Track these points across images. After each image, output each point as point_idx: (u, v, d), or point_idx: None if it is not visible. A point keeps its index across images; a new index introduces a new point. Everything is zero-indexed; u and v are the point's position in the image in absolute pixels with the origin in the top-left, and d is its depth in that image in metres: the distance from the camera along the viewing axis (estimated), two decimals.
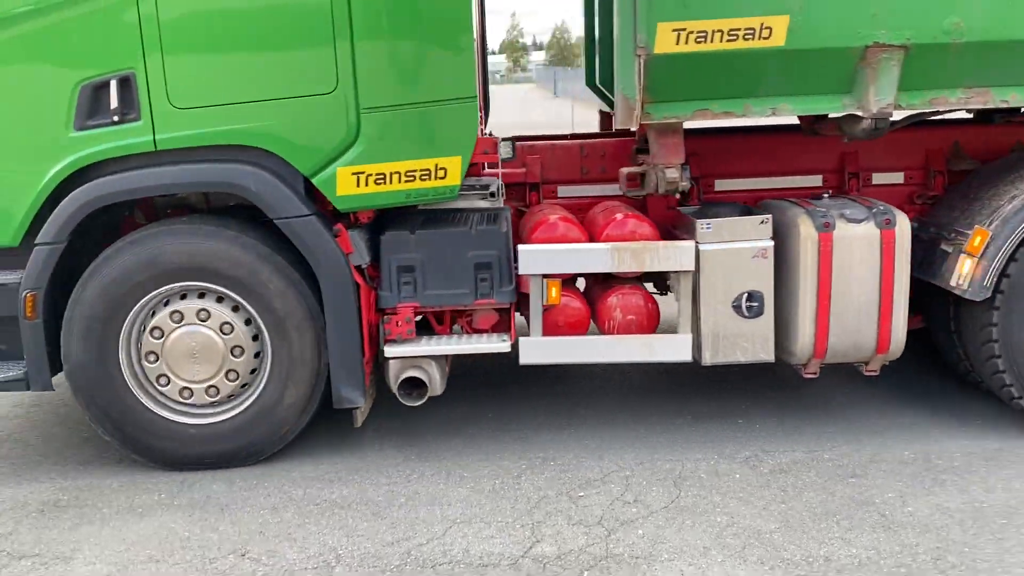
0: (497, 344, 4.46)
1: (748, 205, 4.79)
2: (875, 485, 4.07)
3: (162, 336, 4.35)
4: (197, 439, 4.43)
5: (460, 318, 4.59)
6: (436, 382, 4.48)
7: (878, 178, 5.17)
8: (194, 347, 4.34)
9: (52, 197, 4.28)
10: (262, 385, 4.40)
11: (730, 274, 4.39)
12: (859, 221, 4.38)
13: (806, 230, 4.36)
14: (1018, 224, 4.28)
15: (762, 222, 4.41)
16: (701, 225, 4.40)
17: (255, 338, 4.37)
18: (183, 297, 4.34)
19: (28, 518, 4.09)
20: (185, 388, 4.40)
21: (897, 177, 5.18)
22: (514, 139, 4.92)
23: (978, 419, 4.76)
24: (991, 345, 4.43)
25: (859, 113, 4.22)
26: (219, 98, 4.19)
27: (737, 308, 4.42)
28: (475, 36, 4.29)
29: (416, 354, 4.45)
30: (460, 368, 5.25)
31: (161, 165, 4.26)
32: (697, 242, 4.37)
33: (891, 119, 4.30)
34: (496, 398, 5.29)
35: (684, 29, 4.04)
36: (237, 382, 4.39)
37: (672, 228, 4.76)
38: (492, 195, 4.57)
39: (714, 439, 4.63)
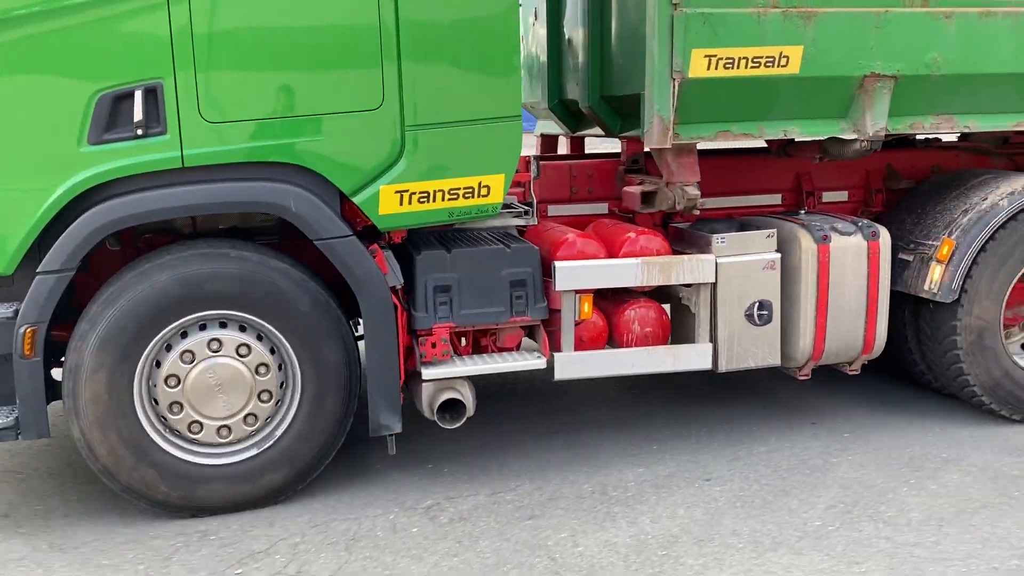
0: (533, 361, 4.48)
1: (741, 219, 5.12)
2: (551, 525, 4.00)
3: (179, 383, 4.02)
4: (239, 476, 4.12)
5: (484, 337, 4.57)
6: (471, 402, 4.43)
7: (827, 196, 5.70)
8: (216, 381, 4.05)
9: (54, 220, 3.86)
10: (295, 406, 4.17)
11: (743, 285, 4.69)
12: (850, 234, 4.84)
13: (807, 243, 4.75)
14: (977, 233, 4.89)
15: (768, 236, 4.75)
16: (717, 239, 4.67)
17: (279, 367, 4.15)
18: (183, 335, 4.03)
19: None
20: (223, 427, 4.09)
21: (843, 195, 5.73)
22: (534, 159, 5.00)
23: (654, 443, 4.90)
24: (954, 346, 4.99)
25: (855, 136, 4.67)
26: (255, 112, 3.96)
27: (749, 316, 4.73)
28: None
29: (454, 375, 4.38)
30: None
31: (190, 183, 3.95)
32: (716, 256, 4.64)
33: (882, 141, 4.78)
34: None
35: (715, 56, 4.32)
36: (271, 402, 4.14)
37: (676, 243, 5.00)
38: (526, 213, 4.60)
39: (397, 489, 4.40)
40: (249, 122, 3.96)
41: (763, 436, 4.98)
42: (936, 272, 4.91)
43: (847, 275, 4.81)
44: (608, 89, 5.12)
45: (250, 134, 3.96)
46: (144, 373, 4.00)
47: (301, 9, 3.93)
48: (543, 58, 5.70)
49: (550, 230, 4.90)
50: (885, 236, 4.88)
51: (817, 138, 4.83)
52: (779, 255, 4.74)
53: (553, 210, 5.35)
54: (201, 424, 4.09)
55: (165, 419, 4.07)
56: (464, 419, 4.44)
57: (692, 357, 4.70)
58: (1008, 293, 5.01)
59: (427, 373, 4.33)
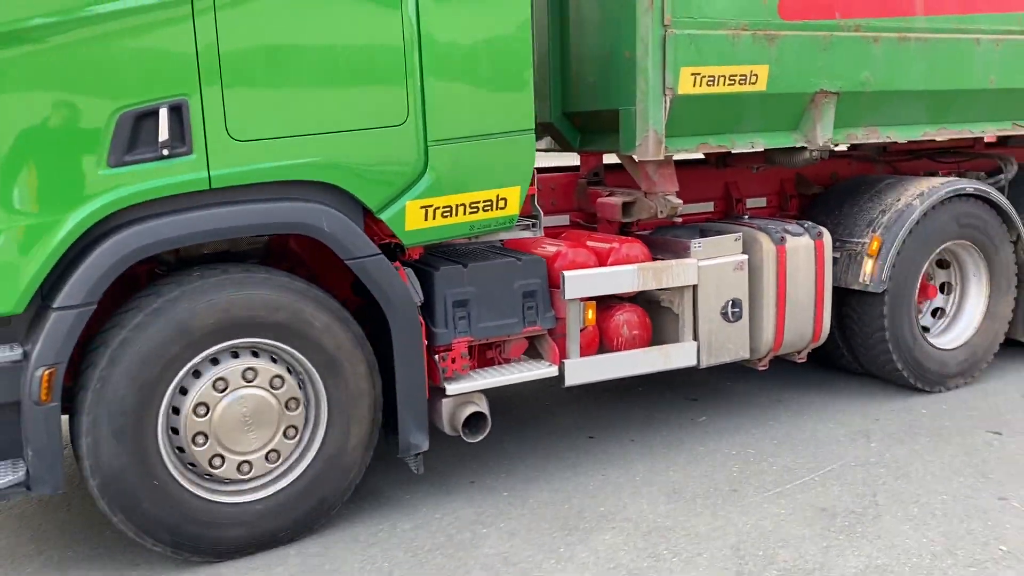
0: (545, 370, 4.59)
1: (700, 226, 5.50)
2: None
3: (208, 412, 3.79)
4: (266, 515, 3.90)
5: (489, 350, 4.63)
6: (488, 414, 4.48)
7: (751, 203, 6.23)
8: (247, 413, 3.85)
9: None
10: (322, 433, 4.03)
11: (719, 285, 5.05)
12: (799, 235, 5.34)
13: (767, 244, 5.20)
14: (898, 230, 5.54)
15: (736, 239, 5.15)
16: (694, 244, 5.01)
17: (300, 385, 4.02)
18: (215, 362, 3.83)
19: None
20: (244, 462, 3.88)
21: (762, 202, 6.29)
22: None
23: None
24: (882, 331, 5.63)
25: (806, 146, 5.19)
26: (283, 129, 3.81)
27: (724, 315, 5.10)
28: None
29: (475, 389, 4.41)
30: None
31: (216, 205, 3.73)
32: (697, 260, 4.97)
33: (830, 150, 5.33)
34: None
35: (699, 73, 4.66)
36: (295, 439, 3.98)
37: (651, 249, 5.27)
38: (533, 225, 4.69)
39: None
40: (278, 140, 3.81)
41: (413, 506, 4.43)
42: (868, 266, 5.52)
43: (800, 272, 5.30)
44: (571, 106, 5.33)
45: (278, 152, 3.81)
46: (168, 403, 3.73)
47: (329, 27, 3.84)
48: None
49: (526, 242, 5.02)
50: (827, 236, 5.43)
51: (774, 147, 5.28)
52: (746, 256, 5.15)
53: None
54: (223, 458, 3.86)
55: (182, 450, 3.81)
56: (487, 431, 4.47)
57: (680, 355, 4.99)
58: (920, 281, 5.73)
59: (451, 388, 4.33)
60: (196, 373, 3.79)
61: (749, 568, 3.78)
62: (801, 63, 4.98)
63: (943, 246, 5.80)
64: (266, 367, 3.90)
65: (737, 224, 5.43)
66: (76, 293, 3.49)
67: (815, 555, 3.88)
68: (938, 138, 5.83)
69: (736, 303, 5.12)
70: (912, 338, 5.71)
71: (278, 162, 3.82)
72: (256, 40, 3.71)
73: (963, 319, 6.07)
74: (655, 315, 5.16)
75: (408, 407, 4.17)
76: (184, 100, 3.62)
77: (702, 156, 5.88)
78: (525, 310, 4.51)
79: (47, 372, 3.46)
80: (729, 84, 4.77)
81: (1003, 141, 6.81)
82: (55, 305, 3.48)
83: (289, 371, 3.97)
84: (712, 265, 5.02)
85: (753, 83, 4.84)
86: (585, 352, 4.82)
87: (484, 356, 4.61)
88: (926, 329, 5.96)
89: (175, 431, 3.79)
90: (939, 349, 5.91)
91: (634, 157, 4.87)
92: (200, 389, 3.76)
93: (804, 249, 5.32)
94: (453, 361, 4.34)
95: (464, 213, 4.24)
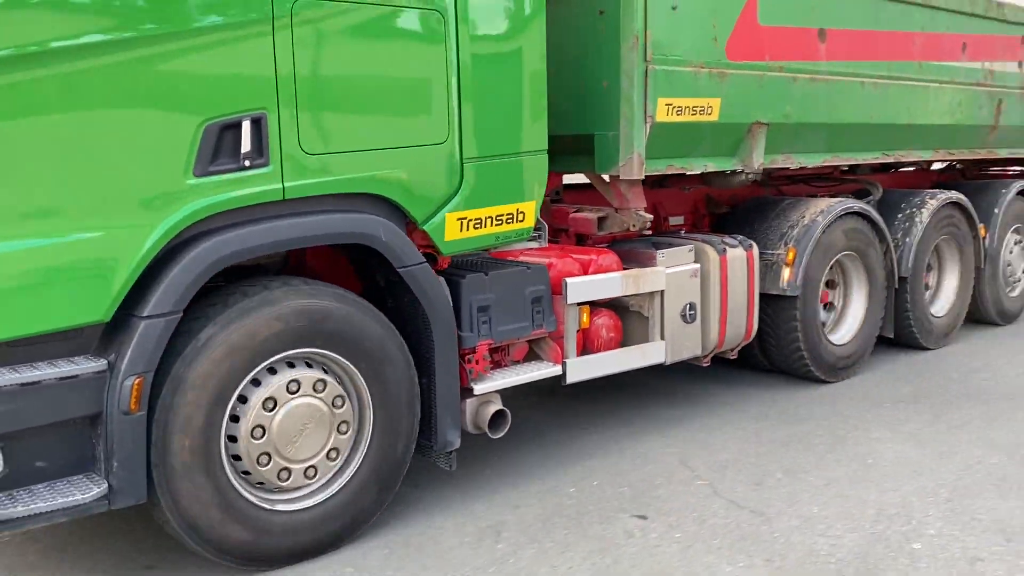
0: (552, 369, 5.02)
1: (653, 239, 6.12)
2: None
3: (275, 407, 3.91)
4: (309, 525, 4.05)
5: (497, 352, 4.99)
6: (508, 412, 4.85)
7: (672, 220, 6.97)
8: (305, 421, 4.00)
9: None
10: (366, 443, 4.23)
11: (680, 290, 5.70)
12: (735, 247, 6.11)
13: (712, 255, 5.92)
14: (807, 243, 6.45)
15: (689, 250, 5.83)
16: (660, 255, 5.63)
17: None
18: (256, 383, 3.91)
19: None
20: (284, 469, 3.99)
21: (680, 219, 7.06)
22: None
23: None
24: (795, 331, 6.50)
25: (743, 169, 5.97)
26: (346, 144, 4.04)
27: (683, 316, 5.75)
28: None
29: (496, 388, 4.76)
30: None
31: (289, 216, 3.89)
32: (664, 268, 5.59)
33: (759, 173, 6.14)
34: None
35: (671, 104, 5.30)
36: (337, 460, 4.16)
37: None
38: (539, 236, 5.09)
39: None
40: (342, 154, 4.02)
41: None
42: (785, 273, 6.39)
43: (737, 279, 6.07)
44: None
45: (342, 166, 4.03)
46: (227, 423, 3.81)
47: (387, 55, 4.14)
48: None
49: (512, 253, 5.43)
50: (755, 248, 6.24)
51: (718, 170, 6.02)
52: (699, 265, 5.83)
53: None
54: (289, 471, 3.99)
55: (248, 474, 3.90)
56: (507, 427, 4.82)
57: (653, 353, 5.58)
58: (822, 286, 6.68)
59: (478, 388, 4.65)
60: (243, 399, 3.85)
61: None
62: (743, 97, 5.76)
63: (837, 256, 6.79)
64: (307, 375, 4.01)
65: (684, 237, 6.12)
66: (166, 301, 3.53)
67: None
68: (835, 164, 6.84)
69: (692, 306, 5.79)
70: (817, 336, 6.64)
71: (342, 175, 4.03)
72: (326, 62, 3.93)
73: (849, 319, 7.10)
74: (623, 318, 5.72)
75: (445, 406, 4.45)
76: (264, 113, 3.76)
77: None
78: (534, 314, 4.92)
79: (137, 381, 3.47)
80: (692, 114, 5.45)
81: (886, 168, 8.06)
82: (145, 314, 3.50)
83: (325, 371, 4.12)
84: (675, 272, 5.66)
85: (708, 114, 5.55)
86: (578, 352, 5.28)
87: (492, 359, 4.96)
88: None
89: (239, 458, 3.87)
90: (834, 345, 6.89)
91: (606, 177, 5.43)
92: (253, 413, 3.84)
93: (740, 259, 6.09)
94: (477, 363, 4.66)
95: (491, 225, 4.61)
